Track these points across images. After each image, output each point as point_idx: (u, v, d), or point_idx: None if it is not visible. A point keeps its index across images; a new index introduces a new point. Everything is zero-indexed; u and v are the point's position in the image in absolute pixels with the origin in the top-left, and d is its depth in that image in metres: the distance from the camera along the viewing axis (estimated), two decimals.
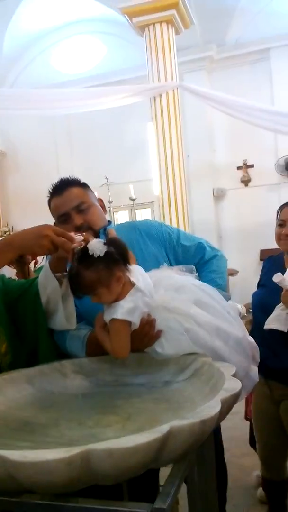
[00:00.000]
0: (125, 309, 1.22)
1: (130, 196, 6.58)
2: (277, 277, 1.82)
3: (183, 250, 1.66)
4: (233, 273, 6.54)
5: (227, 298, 1.59)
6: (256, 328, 1.94)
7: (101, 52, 7.57)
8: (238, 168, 7.42)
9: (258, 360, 1.39)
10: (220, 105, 5.82)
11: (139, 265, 1.44)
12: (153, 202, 7.25)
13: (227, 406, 0.98)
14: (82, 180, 1.69)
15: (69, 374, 1.38)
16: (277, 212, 1.98)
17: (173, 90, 5.59)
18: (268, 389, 1.95)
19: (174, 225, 5.88)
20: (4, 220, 8.28)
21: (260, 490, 2.48)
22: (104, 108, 5.65)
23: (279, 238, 1.93)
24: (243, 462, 2.73)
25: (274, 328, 1.83)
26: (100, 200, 1.66)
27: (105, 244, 1.22)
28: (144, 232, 1.62)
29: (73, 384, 1.36)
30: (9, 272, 2.36)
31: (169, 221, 5.79)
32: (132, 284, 1.26)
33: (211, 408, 0.89)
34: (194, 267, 1.59)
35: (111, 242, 1.25)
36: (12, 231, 7.62)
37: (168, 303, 1.30)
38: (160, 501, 0.80)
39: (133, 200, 6.62)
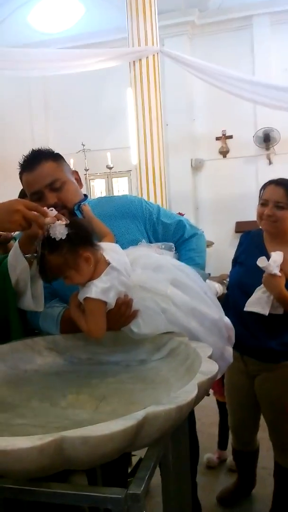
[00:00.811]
0: (99, 289, 1.18)
1: (107, 164, 6.45)
2: (261, 262, 1.78)
3: (163, 228, 1.62)
4: (208, 244, 6.55)
5: (205, 277, 1.58)
6: (232, 306, 1.93)
7: (79, 11, 7.26)
8: (217, 138, 7.34)
9: (234, 341, 1.40)
10: (201, 73, 5.69)
11: (116, 242, 1.41)
12: (130, 171, 7.13)
13: (204, 389, 0.97)
14: (57, 148, 1.60)
15: (42, 351, 1.35)
16: (260, 191, 1.94)
17: (154, 55, 5.42)
18: (243, 364, 1.97)
19: (152, 195, 5.82)
20: None
21: (207, 456, 2.56)
22: (81, 71, 5.44)
23: (260, 217, 1.90)
24: (213, 431, 2.79)
25: (255, 311, 1.82)
26: (75, 173, 1.58)
27: (66, 226, 1.18)
28: (122, 208, 1.57)
29: (47, 362, 1.34)
30: None
31: (146, 191, 5.71)
32: (107, 263, 1.23)
33: (188, 393, 0.88)
34: (173, 245, 1.57)
35: (73, 224, 1.20)
36: None
37: (145, 283, 1.27)
38: (135, 486, 0.80)
39: (110, 168, 6.49)
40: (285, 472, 1.94)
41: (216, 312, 1.33)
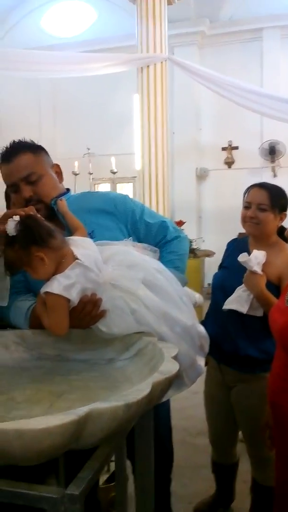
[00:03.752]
0: (61, 284, 1.14)
1: (111, 169, 6.45)
2: (242, 257, 1.79)
3: (145, 227, 1.58)
4: (209, 254, 6.52)
5: (184, 281, 1.54)
6: (214, 309, 1.90)
7: (91, 17, 7.31)
8: (223, 149, 7.34)
9: (207, 350, 1.35)
10: (209, 82, 5.69)
11: (91, 237, 1.37)
12: (135, 177, 7.13)
13: (161, 389, 0.93)
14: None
15: (10, 345, 1.32)
16: (244, 194, 1.92)
17: (162, 62, 5.43)
18: (220, 374, 1.93)
19: (154, 202, 5.80)
20: None
21: None
22: (90, 75, 5.47)
23: (244, 220, 1.88)
24: (197, 442, 2.74)
25: (234, 308, 1.80)
26: (56, 166, 1.55)
27: (18, 223, 1.16)
28: (104, 204, 1.54)
29: (14, 357, 1.30)
30: None
31: (149, 198, 5.70)
32: (75, 258, 1.19)
33: (139, 391, 0.84)
34: (158, 250, 1.54)
35: (23, 222, 1.17)
36: None
37: (116, 280, 1.23)
38: (74, 487, 0.75)
39: (114, 173, 6.49)
40: (262, 489, 1.88)
41: (189, 319, 1.29)
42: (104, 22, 7.20)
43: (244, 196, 1.92)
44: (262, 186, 1.89)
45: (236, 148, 7.27)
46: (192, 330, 1.30)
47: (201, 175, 7.41)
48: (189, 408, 3.22)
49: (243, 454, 2.17)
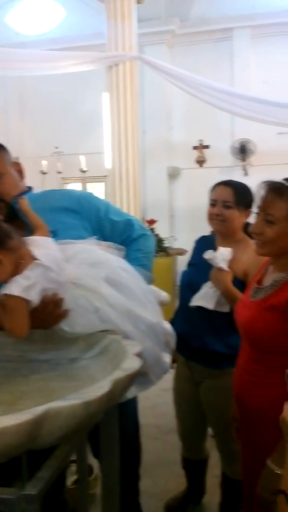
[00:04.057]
0: (20, 286, 1.12)
1: (81, 168, 6.40)
2: (208, 254, 1.81)
3: (110, 225, 1.57)
4: (182, 252, 6.54)
5: (151, 279, 1.54)
6: (182, 306, 1.92)
7: (59, 15, 7.23)
8: (194, 148, 7.37)
9: (173, 347, 1.36)
10: (179, 82, 5.72)
11: (54, 236, 1.36)
12: (106, 176, 7.11)
13: (122, 386, 0.93)
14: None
15: None
16: (210, 192, 1.94)
17: (131, 61, 5.42)
18: (188, 370, 1.94)
19: (125, 201, 5.79)
20: None
21: None
22: (58, 73, 5.41)
23: (210, 217, 1.91)
24: (169, 439, 2.75)
25: (201, 305, 1.82)
26: (17, 165, 1.53)
27: None
28: (67, 202, 1.52)
29: None
30: None
31: (120, 197, 5.68)
32: (33, 259, 1.18)
33: (99, 388, 0.84)
34: (124, 248, 1.53)
35: None
36: None
37: (79, 279, 1.22)
38: (31, 487, 0.75)
39: (83, 172, 6.44)
40: (231, 483, 1.90)
41: (154, 316, 1.29)
42: (72, 20, 7.13)
43: (210, 194, 1.94)
44: (227, 183, 1.91)
45: (207, 147, 7.31)
46: (157, 328, 1.30)
47: (173, 174, 7.43)
48: (160, 405, 3.24)
49: (214, 449, 2.19)
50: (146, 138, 7.03)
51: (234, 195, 1.85)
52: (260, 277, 1.48)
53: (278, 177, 1.42)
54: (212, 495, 2.26)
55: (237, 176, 7.14)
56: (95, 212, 1.55)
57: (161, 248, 6.08)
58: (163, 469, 2.62)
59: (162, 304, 1.62)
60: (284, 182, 1.32)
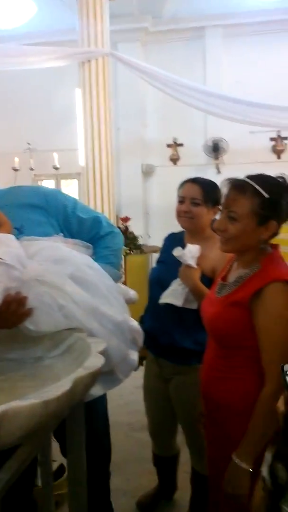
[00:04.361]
0: None
1: (54, 164, 6.34)
2: (177, 251, 1.82)
3: (78, 222, 1.56)
4: (156, 250, 6.56)
5: (118, 277, 1.54)
6: (151, 303, 1.92)
7: (31, 10, 7.13)
8: (168, 145, 7.39)
9: (141, 344, 1.36)
10: (152, 79, 5.72)
11: (20, 233, 1.34)
12: (80, 173, 7.05)
13: (85, 384, 0.92)
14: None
15: None
16: (178, 189, 1.95)
17: (103, 57, 5.38)
18: (157, 367, 1.95)
19: (99, 199, 5.76)
20: None
21: None
22: (29, 68, 5.34)
23: (178, 214, 1.92)
24: (141, 436, 2.75)
25: (169, 302, 1.83)
26: None
27: None
28: (34, 199, 1.50)
29: None
30: None
31: (94, 194, 5.65)
32: None
33: (59, 387, 0.83)
34: (91, 245, 1.52)
35: None
36: None
37: (42, 276, 1.20)
38: None
39: (56, 169, 6.38)
40: (202, 478, 1.91)
41: (120, 314, 1.29)
42: (44, 16, 7.02)
43: (178, 191, 1.94)
44: (195, 181, 1.92)
45: (181, 145, 7.33)
46: (123, 325, 1.30)
47: (147, 172, 7.43)
48: (134, 403, 3.24)
49: (185, 445, 2.21)
50: (120, 135, 7.01)
51: (202, 192, 1.86)
52: (225, 273, 1.49)
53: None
54: (184, 491, 2.27)
55: (210, 174, 7.19)
56: (62, 209, 1.54)
57: (135, 245, 6.08)
58: (135, 466, 2.63)
59: (130, 302, 1.63)
60: (246, 179, 1.33)
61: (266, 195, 1.28)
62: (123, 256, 5.92)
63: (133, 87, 6.86)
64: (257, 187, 1.29)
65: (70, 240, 1.49)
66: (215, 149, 7.14)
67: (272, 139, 6.99)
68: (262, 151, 6.97)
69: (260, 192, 1.29)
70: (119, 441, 3.00)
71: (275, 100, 6.42)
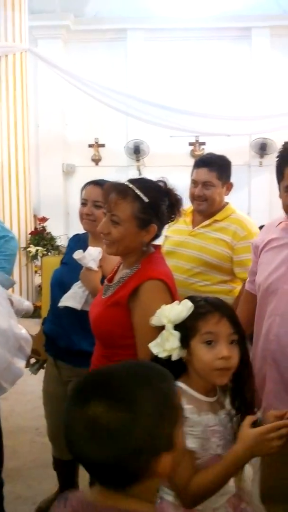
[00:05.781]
0: None
1: None
2: (77, 254, 1.80)
3: None
4: None
5: (10, 282, 1.51)
6: (52, 305, 1.89)
7: None
8: (90, 145, 7.36)
9: (28, 353, 1.33)
10: (71, 78, 5.68)
11: None
12: None
13: None
14: None
15: None
16: (81, 191, 1.94)
17: (22, 53, 5.26)
18: (56, 370, 1.93)
19: (15, 197, 5.61)
20: None
21: None
22: None
23: (81, 217, 1.90)
24: (46, 441, 2.70)
25: (69, 305, 1.81)
26: None
27: None
28: None
29: None
30: None
31: (9, 193, 5.49)
32: None
33: None
34: None
35: None
36: None
37: None
38: None
39: None
40: None
41: (4, 321, 1.25)
42: None
43: (80, 193, 1.93)
44: (97, 183, 1.91)
45: (103, 146, 7.34)
46: (8, 332, 1.27)
47: (68, 171, 7.35)
48: (41, 408, 3.17)
49: None
50: (40, 133, 6.88)
51: (103, 194, 1.86)
52: (112, 275, 1.51)
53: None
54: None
55: (131, 175, 7.25)
56: None
57: (52, 246, 5.99)
58: (39, 472, 2.58)
59: (23, 312, 1.59)
60: (127, 183, 1.35)
61: (146, 200, 1.31)
62: (39, 258, 5.82)
63: (54, 85, 6.75)
64: (137, 191, 1.31)
65: None
66: (136, 151, 7.22)
67: (190, 143, 7.19)
68: (181, 155, 7.15)
69: (140, 196, 1.31)
70: (24, 446, 2.93)
71: (195, 106, 6.63)
